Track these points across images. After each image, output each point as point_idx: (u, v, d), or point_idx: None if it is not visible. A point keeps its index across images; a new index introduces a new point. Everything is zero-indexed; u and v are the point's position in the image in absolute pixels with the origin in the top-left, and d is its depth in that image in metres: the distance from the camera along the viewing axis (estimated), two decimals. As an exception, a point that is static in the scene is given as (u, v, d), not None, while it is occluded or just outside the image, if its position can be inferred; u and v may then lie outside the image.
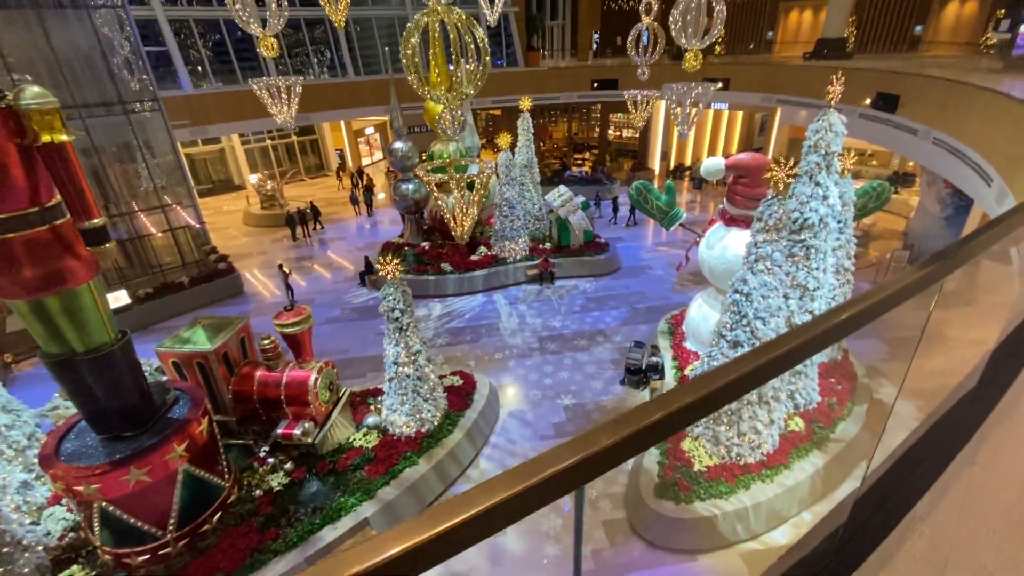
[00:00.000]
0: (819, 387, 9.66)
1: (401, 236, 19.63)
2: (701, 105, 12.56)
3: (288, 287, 16.60)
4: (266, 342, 8.89)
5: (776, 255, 7.51)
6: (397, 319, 8.82)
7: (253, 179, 25.23)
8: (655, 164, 29.51)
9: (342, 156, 33.80)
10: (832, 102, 8.17)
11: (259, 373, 8.99)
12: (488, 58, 7.02)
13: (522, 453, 9.97)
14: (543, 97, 28.49)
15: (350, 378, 12.33)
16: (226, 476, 7.69)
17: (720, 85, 13.30)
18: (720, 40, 32.28)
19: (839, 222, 9.70)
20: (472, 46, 7.34)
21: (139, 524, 6.51)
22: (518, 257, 17.15)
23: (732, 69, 24.35)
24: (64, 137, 5.49)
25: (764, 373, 1.01)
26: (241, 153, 30.72)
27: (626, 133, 31.74)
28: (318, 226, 23.08)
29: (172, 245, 17.91)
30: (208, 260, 18.24)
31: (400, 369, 9.13)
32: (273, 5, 11.99)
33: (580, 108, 30.69)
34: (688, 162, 29.59)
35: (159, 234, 17.38)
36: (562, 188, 17.32)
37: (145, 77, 16.87)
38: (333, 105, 26.30)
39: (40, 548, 7.39)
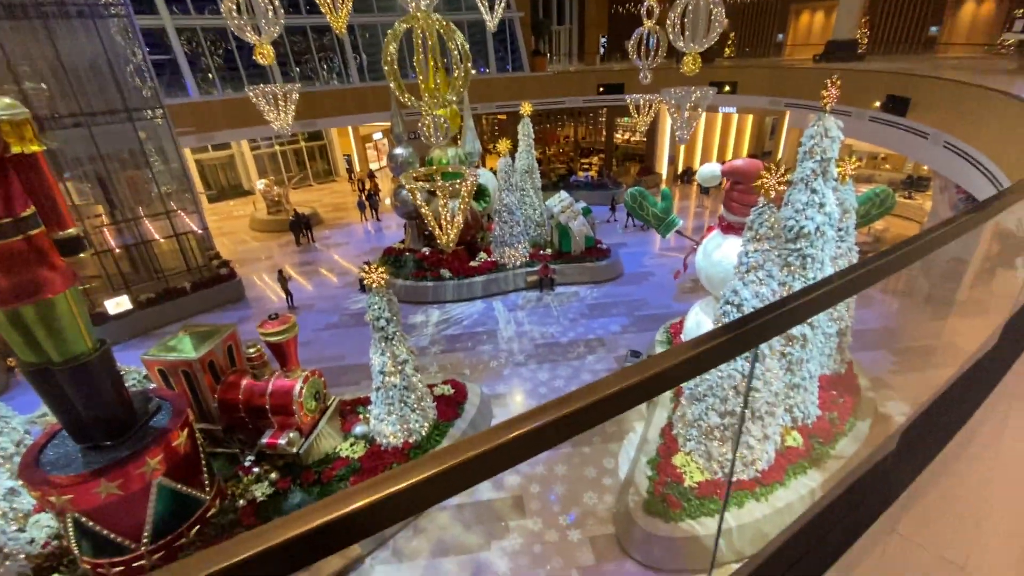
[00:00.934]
0: (820, 400, 9.32)
1: (402, 242, 19.59)
2: (700, 109, 12.30)
3: (288, 292, 16.72)
4: (251, 351, 8.84)
5: (769, 265, 7.25)
6: (383, 328, 8.71)
7: (260, 185, 25.42)
8: (662, 168, 29.18)
9: (350, 161, 34.01)
10: (828, 106, 7.87)
11: (245, 382, 8.94)
12: (469, 64, 6.90)
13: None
14: (549, 101, 28.37)
15: (344, 385, 12.26)
16: (207, 488, 7.61)
17: (715, 91, 13.03)
18: (729, 43, 31.91)
19: (839, 230, 9.39)
20: (455, 53, 7.22)
21: (111, 536, 6.46)
22: (518, 263, 16.99)
23: (740, 72, 23.98)
24: (36, 148, 5.48)
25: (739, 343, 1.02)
26: (250, 158, 31.08)
27: (634, 137, 31.46)
28: (310, 237, 22.99)
29: (176, 250, 18.11)
30: (211, 265, 18.38)
31: (386, 379, 9.01)
32: (269, 13, 12.05)
33: (587, 112, 30.50)
34: (696, 166, 29.19)
35: (163, 240, 17.57)
36: (563, 194, 17.13)
37: (150, 85, 17.11)
38: (339, 111, 26.45)
39: (22, 556, 7.40)
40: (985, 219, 1.58)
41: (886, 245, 18.63)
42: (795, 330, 8.36)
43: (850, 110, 18.09)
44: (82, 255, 6.18)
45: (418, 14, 6.61)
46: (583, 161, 31.34)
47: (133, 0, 20.81)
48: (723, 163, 10.53)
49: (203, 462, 7.65)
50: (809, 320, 8.45)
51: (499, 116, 33.28)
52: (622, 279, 17.37)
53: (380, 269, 8.43)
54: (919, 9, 24.56)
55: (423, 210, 8.12)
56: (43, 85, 15.58)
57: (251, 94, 12.43)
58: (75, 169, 16.23)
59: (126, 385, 9.55)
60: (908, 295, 15.22)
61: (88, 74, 15.76)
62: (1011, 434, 1.59)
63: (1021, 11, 19.98)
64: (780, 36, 30.59)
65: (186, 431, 7.29)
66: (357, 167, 33.93)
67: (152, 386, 9.34)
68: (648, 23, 14.92)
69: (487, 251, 17.51)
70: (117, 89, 16.12)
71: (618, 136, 31.84)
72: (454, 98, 7.32)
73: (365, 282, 8.55)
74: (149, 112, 17.30)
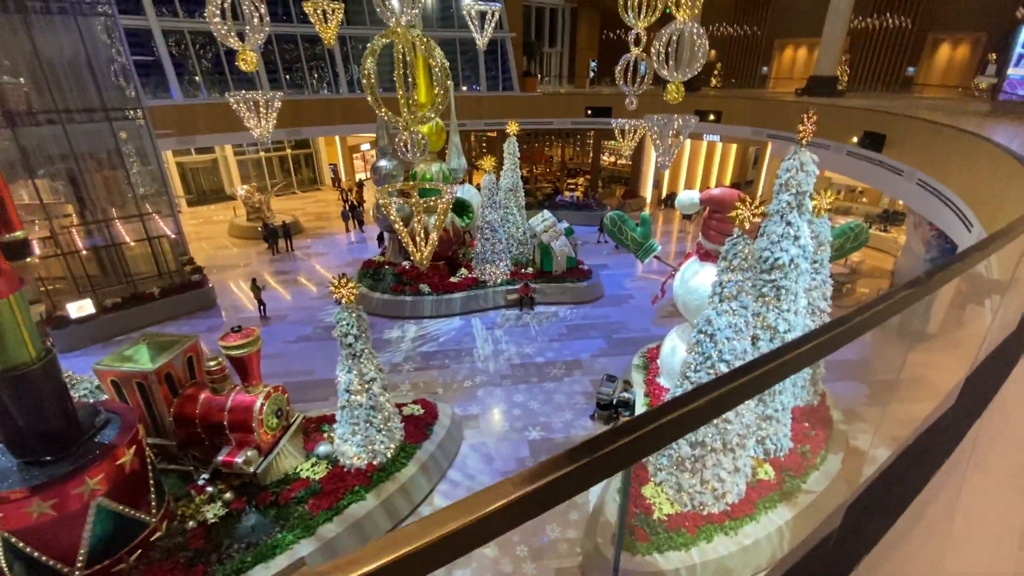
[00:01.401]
0: (792, 432, 9.26)
1: (382, 254, 19.35)
2: (682, 137, 12.42)
3: (261, 302, 16.31)
4: (212, 363, 8.49)
5: (743, 296, 7.21)
6: (351, 345, 8.45)
7: (241, 191, 25.02)
8: (647, 192, 29.49)
9: (335, 171, 33.79)
10: (804, 140, 7.95)
11: (203, 396, 8.57)
12: (449, 81, 6.82)
13: (476, 491, 9.46)
14: (537, 121, 28.63)
15: (311, 401, 11.89)
16: (153, 510, 7.20)
17: (697, 119, 13.19)
18: (716, 73, 32.68)
19: (814, 262, 9.46)
20: (436, 70, 7.14)
21: (43, 558, 6.03)
22: (499, 281, 16.85)
23: (724, 102, 24.48)
24: (-17, 145, 5.21)
25: (722, 403, 0.94)
26: (234, 164, 30.67)
27: (620, 160, 31.82)
28: (289, 246, 22.60)
29: (148, 254, 17.60)
30: (183, 271, 17.90)
31: (352, 397, 8.72)
32: (255, 20, 11.92)
33: (574, 134, 30.82)
34: (680, 191, 29.57)
35: (134, 243, 17.08)
36: (546, 213, 17.12)
37: (130, 85, 16.79)
38: (326, 121, 26.32)
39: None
40: (953, 276, 1.47)
41: (862, 276, 18.88)
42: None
43: (829, 144, 18.51)
44: (28, 259, 5.85)
45: (398, 29, 6.54)
46: (569, 181, 31.55)
47: (120, 0, 20.62)
48: (704, 190, 10.59)
49: (151, 481, 7.24)
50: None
51: (489, 133, 33.46)
52: (602, 301, 17.33)
53: (350, 284, 8.21)
54: (897, 50, 25.45)
55: (397, 226, 7.95)
56: (21, 80, 15.21)
57: (232, 100, 12.21)
58: (48, 167, 15.76)
59: (77, 395, 9.13)
60: (882, 326, 15.38)
61: (67, 71, 15.41)
62: (965, 511, 1.47)
63: (993, 56, 20.77)
64: (764, 69, 31.42)
65: (133, 448, 6.91)
66: (343, 177, 33.71)
67: (104, 397, 8.92)
68: (635, 50, 15.13)
69: (468, 267, 17.36)
70: (96, 88, 15.78)
71: (604, 158, 32.18)
72: (432, 115, 7.23)
73: (335, 296, 8.31)
74: (129, 112, 16.96)
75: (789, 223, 7.93)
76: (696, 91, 28.20)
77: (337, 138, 32.50)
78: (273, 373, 12.87)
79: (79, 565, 6.22)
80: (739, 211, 6.83)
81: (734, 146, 28.99)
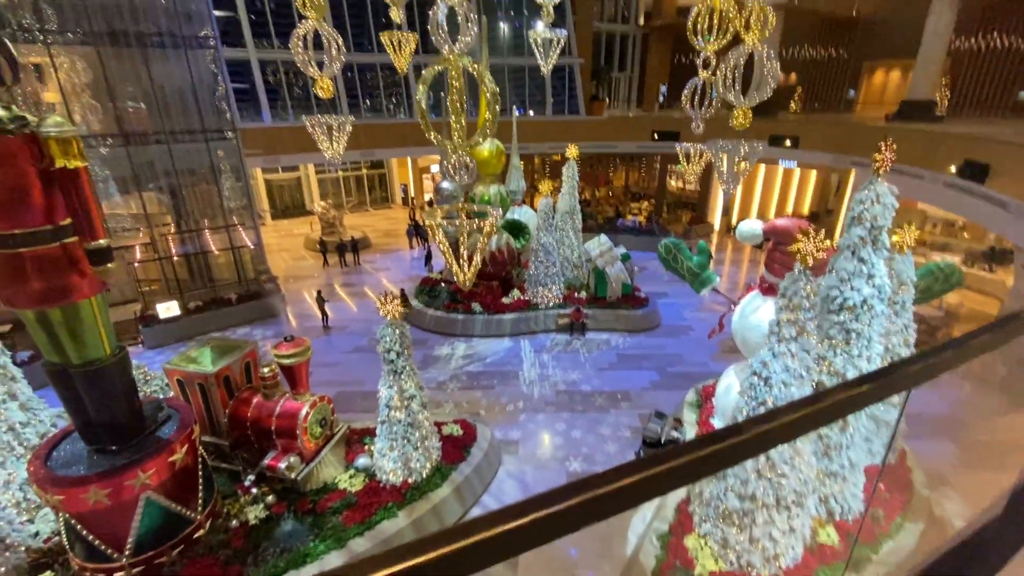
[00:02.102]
0: (864, 494, 8.25)
1: (441, 272, 19.79)
2: (747, 164, 11.78)
3: (324, 313, 17.15)
4: (266, 370, 8.94)
5: (804, 338, 6.58)
6: (392, 361, 8.60)
7: (318, 207, 26.75)
8: (715, 219, 28.27)
9: (406, 190, 35.32)
10: (881, 170, 7.23)
11: (256, 400, 9.03)
12: (498, 107, 6.90)
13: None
14: (602, 145, 28.47)
15: (359, 412, 12.19)
16: (199, 508, 7.58)
17: (765, 145, 12.47)
18: (795, 97, 31.09)
19: (894, 303, 8.53)
20: (487, 96, 7.26)
21: (96, 543, 6.51)
22: (551, 304, 16.66)
23: (803, 127, 23.12)
24: (79, 163, 5.87)
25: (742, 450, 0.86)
26: (315, 182, 32.93)
27: (688, 185, 30.83)
28: (357, 259, 23.79)
29: (231, 263, 19.17)
30: (259, 279, 19.25)
31: (392, 413, 8.84)
32: (333, 51, 12.80)
33: (640, 158, 30.29)
34: (750, 219, 28.07)
35: (219, 252, 18.65)
36: (602, 238, 16.80)
37: (227, 110, 18.54)
38: (399, 143, 27.64)
39: (22, 549, 7.60)
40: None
41: (959, 321, 16.86)
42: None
43: (923, 173, 16.89)
44: (109, 265, 6.47)
45: (450, 57, 6.73)
46: (633, 206, 30.93)
47: (223, 33, 23.03)
48: (769, 220, 9.92)
49: (200, 478, 7.66)
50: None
51: (553, 156, 33.70)
52: (658, 331, 16.63)
53: (396, 300, 8.40)
54: (1006, 71, 22.94)
55: (441, 247, 8.07)
56: (142, 105, 17.28)
57: (307, 123, 13.11)
58: (155, 181, 17.70)
59: (149, 391, 9.93)
60: (982, 380, 13.53)
61: (175, 97, 17.32)
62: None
63: None
64: (851, 93, 29.44)
65: (187, 446, 7.36)
66: (412, 196, 35.16)
67: (171, 394, 9.63)
68: (704, 74, 14.70)
69: (521, 288, 17.33)
70: (198, 111, 17.58)
71: (672, 183, 31.32)
72: (480, 140, 7.33)
73: (381, 312, 8.52)
74: (225, 134, 18.70)
75: (862, 260, 7.19)
76: (772, 116, 26.92)
77: (409, 159, 34.04)
78: (326, 381, 13.41)
79: (127, 552, 6.65)
80: (801, 245, 6.29)
81: (813, 172, 27.22)
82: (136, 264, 17.40)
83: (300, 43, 12.10)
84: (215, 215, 18.86)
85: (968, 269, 19.03)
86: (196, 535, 7.42)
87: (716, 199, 28.21)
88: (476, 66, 6.80)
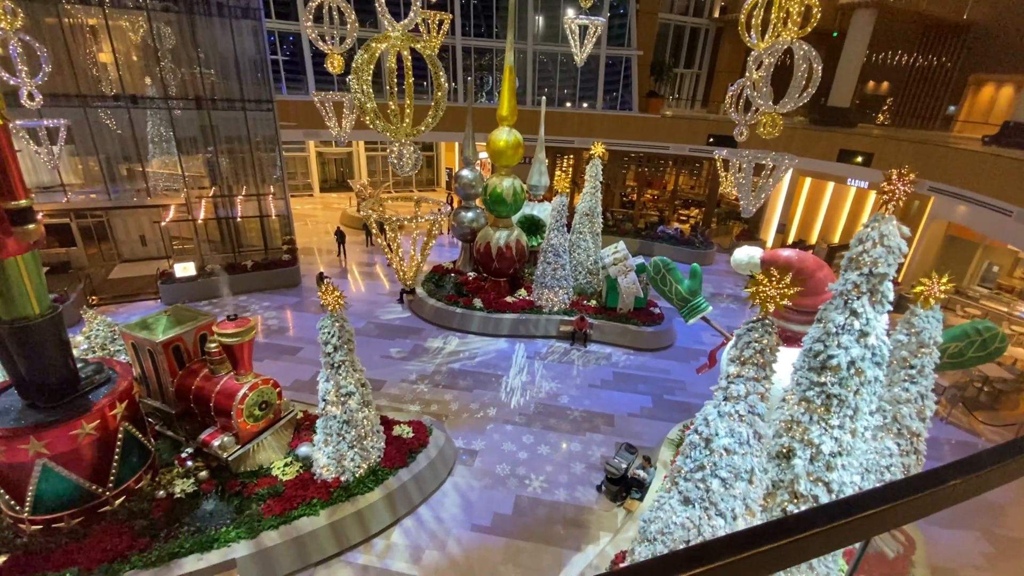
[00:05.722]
0: (837, 584, 6.95)
1: (454, 262, 19.36)
2: (771, 180, 10.28)
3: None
4: (212, 345, 8.85)
5: (753, 399, 5.45)
6: (330, 354, 8.21)
7: (356, 184, 27.09)
8: (768, 235, 25.89)
9: (450, 174, 35.17)
10: (890, 205, 5.83)
11: (203, 373, 8.98)
12: (442, 94, 6.18)
13: (439, 539, 8.64)
14: (653, 145, 26.74)
15: (329, 396, 12.01)
16: (111, 484, 7.56)
17: (793, 159, 10.83)
18: (884, 109, 27.73)
19: (911, 367, 7.06)
20: (441, 79, 6.56)
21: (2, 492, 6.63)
22: (555, 309, 15.77)
23: (880, 143, 20.41)
24: (-4, 121, 5.80)
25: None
26: (363, 158, 33.47)
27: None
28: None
29: (259, 230, 19.75)
30: (282, 249, 19.69)
31: (328, 408, 8.48)
32: (349, 26, 12.51)
33: (692, 161, 28.18)
34: (813, 239, 25.44)
35: (248, 219, 19.23)
36: (620, 244, 15.60)
37: (268, 81, 18.89)
38: (446, 127, 27.26)
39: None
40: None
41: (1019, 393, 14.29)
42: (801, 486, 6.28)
43: (1012, 209, 14.34)
44: (30, 226, 6.44)
45: (393, 34, 6.08)
46: (682, 212, 28.98)
47: (279, 5, 23.57)
48: (822, 243, 8.55)
49: (118, 454, 7.62)
50: (824, 479, 6.30)
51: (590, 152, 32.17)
52: (667, 352, 15.31)
53: (336, 292, 7.97)
54: None
55: (379, 241, 7.52)
56: (210, 69, 17.88)
57: (315, 99, 12.96)
58: (199, 147, 18.47)
59: (115, 349, 10.13)
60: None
61: (216, 64, 17.84)
62: None
63: None
64: (952, 108, 25.77)
65: (99, 421, 7.29)
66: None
67: (124, 359, 9.80)
68: (756, 74, 13.09)
69: (528, 288, 16.54)
70: (238, 80, 18.02)
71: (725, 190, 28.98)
72: (424, 129, 6.65)
73: (322, 302, 8.14)
74: (263, 104, 19.10)
75: (855, 313, 5.84)
76: (851, 127, 24.08)
77: (456, 144, 33.75)
78: (312, 360, 13.40)
79: (26, 512, 6.72)
80: (760, 287, 5.15)
81: (891, 196, 24.11)
82: (169, 223, 18.24)
83: (310, 17, 11.89)
84: (248, 183, 19.42)
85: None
86: (101, 510, 7.41)
87: (773, 213, 25.78)
88: (422, 47, 6.10)
